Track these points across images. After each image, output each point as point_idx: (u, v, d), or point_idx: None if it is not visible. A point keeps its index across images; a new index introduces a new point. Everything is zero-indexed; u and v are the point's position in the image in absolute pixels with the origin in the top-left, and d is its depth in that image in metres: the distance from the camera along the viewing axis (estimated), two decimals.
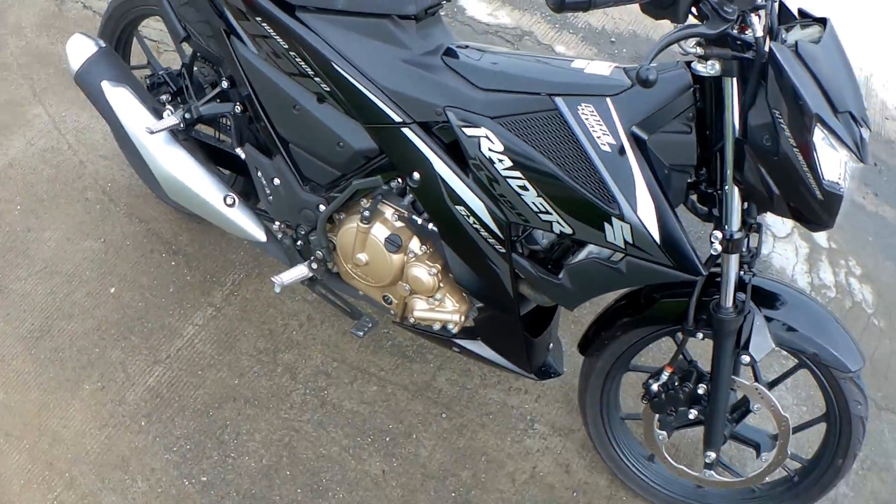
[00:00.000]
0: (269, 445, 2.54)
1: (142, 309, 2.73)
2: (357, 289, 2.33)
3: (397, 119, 1.91)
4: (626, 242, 1.73)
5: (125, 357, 2.65)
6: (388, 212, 2.11)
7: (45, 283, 2.83)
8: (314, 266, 2.32)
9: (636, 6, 1.54)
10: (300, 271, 2.33)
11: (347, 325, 2.70)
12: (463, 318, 2.15)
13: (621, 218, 1.71)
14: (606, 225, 1.74)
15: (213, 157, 2.57)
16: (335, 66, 1.96)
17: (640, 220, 1.69)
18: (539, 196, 1.79)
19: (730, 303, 1.84)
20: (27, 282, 2.84)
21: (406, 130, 1.91)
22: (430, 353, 2.70)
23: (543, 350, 2.26)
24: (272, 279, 2.24)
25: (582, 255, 1.90)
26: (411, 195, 2.04)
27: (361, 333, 2.35)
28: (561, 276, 1.89)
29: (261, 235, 2.44)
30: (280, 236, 2.41)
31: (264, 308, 2.74)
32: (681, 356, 2.01)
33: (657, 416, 2.11)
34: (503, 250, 1.91)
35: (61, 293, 2.80)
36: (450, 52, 1.92)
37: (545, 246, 1.99)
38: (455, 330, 2.18)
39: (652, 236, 1.70)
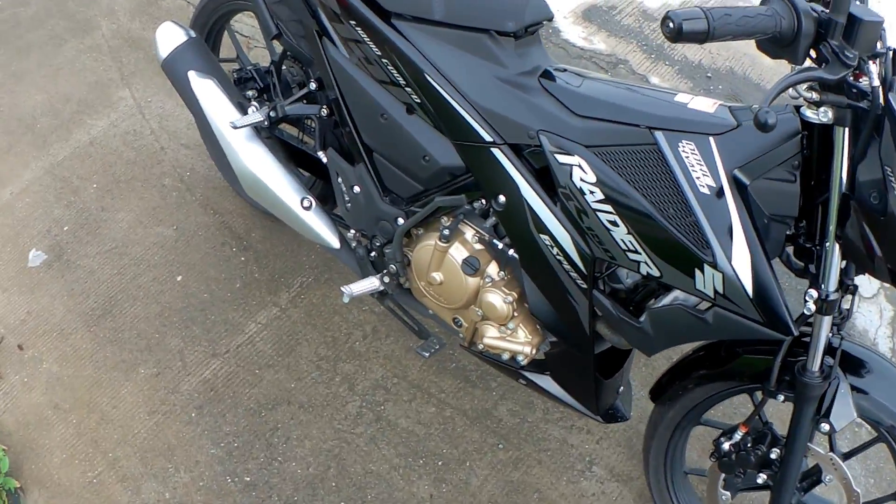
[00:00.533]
0: (317, 454, 2.49)
1: (206, 301, 2.70)
2: (427, 307, 2.26)
3: (488, 138, 1.84)
4: (716, 292, 1.62)
5: (184, 346, 2.63)
6: (469, 233, 2.04)
7: (113, 263, 2.83)
8: (386, 280, 2.26)
9: (752, 42, 1.44)
10: (371, 283, 2.27)
11: (413, 342, 2.63)
12: (534, 351, 2.06)
13: (714, 266, 1.60)
14: (697, 271, 1.63)
15: (294, 157, 2.53)
16: (428, 77, 1.89)
17: (734, 271, 1.59)
18: (629, 233, 1.69)
19: (817, 366, 1.72)
20: (95, 259, 2.84)
21: (496, 151, 1.84)
22: (494, 381, 2.62)
23: (613, 393, 2.16)
24: (341, 288, 2.18)
25: (667, 300, 1.80)
26: (494, 218, 1.97)
27: (427, 354, 2.28)
28: (642, 319, 1.79)
29: (335, 242, 2.39)
30: (354, 245, 2.35)
31: (330, 315, 2.70)
32: (756, 417, 1.90)
33: (723, 475, 2.00)
34: (584, 286, 1.82)
35: (128, 275, 2.80)
36: (547, 75, 1.83)
37: (629, 286, 1.88)
38: (524, 362, 2.10)
39: (745, 289, 1.59)
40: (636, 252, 1.70)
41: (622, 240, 1.71)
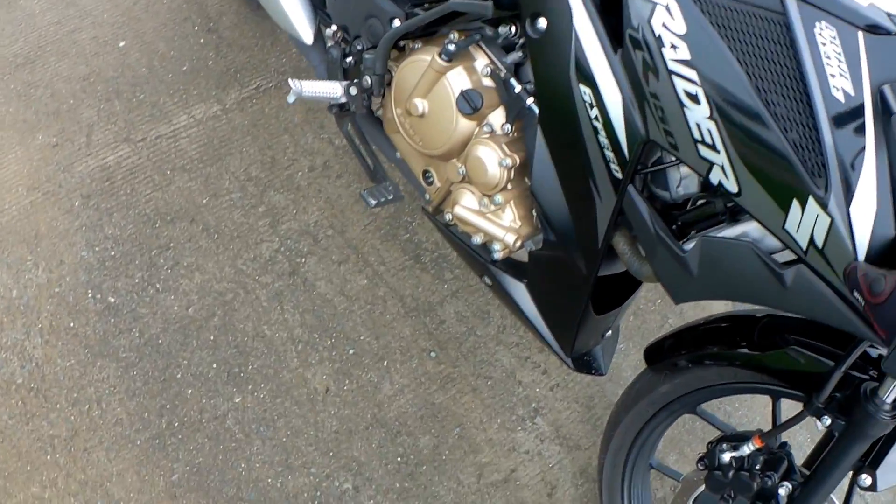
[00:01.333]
0: (205, 294, 1.95)
1: (142, 76, 2.15)
2: (396, 147, 1.67)
3: None
4: (811, 243, 1.03)
5: (97, 121, 2.10)
6: (481, 60, 1.46)
7: (56, 11, 2.31)
8: (352, 92, 1.66)
9: None
10: (331, 89, 1.67)
11: (364, 187, 2.05)
12: (518, 244, 1.49)
13: (822, 204, 0.99)
14: (795, 204, 1.02)
15: None
16: None
17: (850, 220, 0.98)
18: (711, 118, 1.08)
19: (892, 398, 1.12)
20: (40, 3, 2.32)
21: None
22: (451, 272, 2.02)
23: (597, 335, 1.59)
24: (289, 81, 1.58)
25: (732, 231, 1.18)
26: (520, 53, 1.40)
27: (374, 202, 1.69)
28: (689, 248, 1.18)
29: (307, 36, 1.81)
30: (330, 45, 1.75)
31: (278, 132, 2.10)
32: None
33: (703, 490, 1.41)
34: (619, 175, 1.25)
35: (68, 27, 2.27)
36: None
37: (677, 197, 1.29)
38: (499, 254, 1.50)
39: (856, 250, 0.98)
40: (713, 148, 1.09)
41: (698, 124, 1.10)
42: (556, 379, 1.98)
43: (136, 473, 1.88)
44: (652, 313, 2.07)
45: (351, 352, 1.94)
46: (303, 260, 1.99)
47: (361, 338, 1.95)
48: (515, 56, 1.40)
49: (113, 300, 1.94)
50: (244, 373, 1.91)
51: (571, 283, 1.43)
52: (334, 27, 1.73)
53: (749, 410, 1.98)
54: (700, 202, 1.27)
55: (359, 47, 1.63)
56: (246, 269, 1.97)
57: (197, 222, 2.00)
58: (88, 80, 2.15)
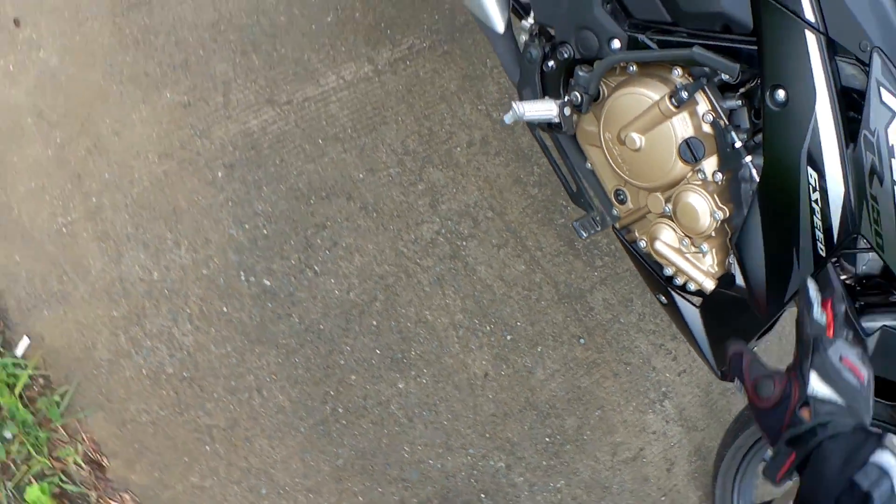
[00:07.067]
0: (366, 277, 1.90)
1: (281, 25, 1.96)
2: (589, 158, 1.63)
3: (809, 16, 1.25)
4: None
5: (233, 77, 1.92)
6: (703, 106, 1.42)
7: None
8: (566, 112, 1.59)
9: None
10: (548, 110, 1.59)
11: (525, 175, 2.00)
12: (712, 286, 1.53)
13: None
14: None
15: None
16: None
17: None
18: None
19: None
20: None
21: (810, 36, 1.25)
22: (601, 259, 2.03)
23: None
24: (513, 103, 1.49)
25: None
26: (738, 101, 1.38)
27: (585, 234, 1.66)
28: (871, 334, 1.31)
29: (499, 24, 1.68)
30: (525, 38, 1.65)
31: (435, 100, 1.99)
32: None
33: None
34: (823, 254, 1.31)
35: None
36: None
37: (861, 272, 1.38)
38: (680, 282, 1.58)
39: None
40: None
41: None
42: (683, 365, 2.06)
43: (301, 460, 1.88)
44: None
45: (508, 337, 1.96)
46: (464, 243, 1.95)
47: (518, 324, 1.96)
48: (733, 103, 1.40)
49: (268, 283, 1.87)
50: (407, 358, 1.91)
51: (746, 321, 1.50)
52: (531, 21, 1.64)
53: None
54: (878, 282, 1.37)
55: (565, 55, 1.56)
56: (407, 252, 1.92)
57: (354, 199, 1.91)
58: (218, 28, 1.94)
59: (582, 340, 2.00)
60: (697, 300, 1.62)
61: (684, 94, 1.36)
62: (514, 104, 1.53)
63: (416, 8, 2.01)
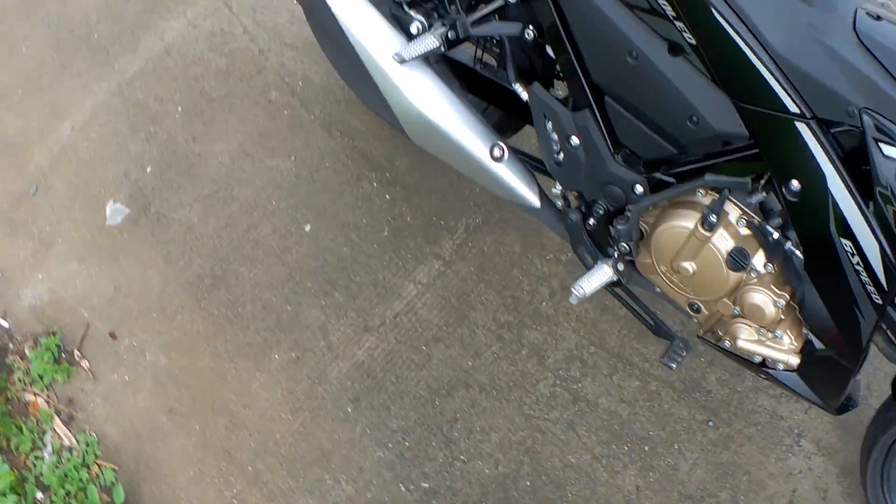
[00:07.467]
0: (507, 448, 2.08)
1: (347, 257, 2.16)
2: (656, 286, 1.79)
3: (793, 109, 1.37)
4: None
5: (326, 320, 2.12)
6: (734, 214, 1.58)
7: (216, 213, 2.25)
8: (620, 267, 1.76)
9: None
10: (605, 275, 1.77)
11: (609, 301, 2.16)
12: (796, 363, 1.70)
13: None
14: None
15: (466, 81, 1.95)
16: (715, 12, 1.37)
17: None
18: None
19: None
20: (193, 209, 2.26)
21: (801, 126, 1.38)
22: (701, 346, 2.18)
23: (854, 385, 1.84)
24: (572, 289, 1.66)
25: None
26: (762, 194, 1.53)
27: (674, 366, 1.82)
28: None
29: (535, 200, 1.87)
30: (560, 204, 1.83)
31: (507, 267, 2.17)
32: None
33: None
34: (879, 301, 1.45)
35: (239, 228, 2.23)
36: (863, 22, 1.33)
37: None
38: (782, 368, 1.73)
39: None
40: None
41: None
42: (806, 403, 2.20)
43: None
44: None
45: (646, 448, 2.12)
46: (579, 384, 2.12)
47: (650, 433, 2.12)
48: (759, 196, 1.53)
49: (427, 485, 2.06)
50: (566, 500, 2.08)
51: (838, 372, 1.67)
52: (558, 188, 1.81)
53: None
54: None
55: (600, 211, 1.73)
56: (534, 413, 2.10)
57: (472, 386, 2.10)
58: (293, 280, 2.15)
59: (710, 423, 2.15)
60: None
61: (713, 218, 1.54)
62: (573, 289, 1.72)
63: (456, 189, 2.18)
